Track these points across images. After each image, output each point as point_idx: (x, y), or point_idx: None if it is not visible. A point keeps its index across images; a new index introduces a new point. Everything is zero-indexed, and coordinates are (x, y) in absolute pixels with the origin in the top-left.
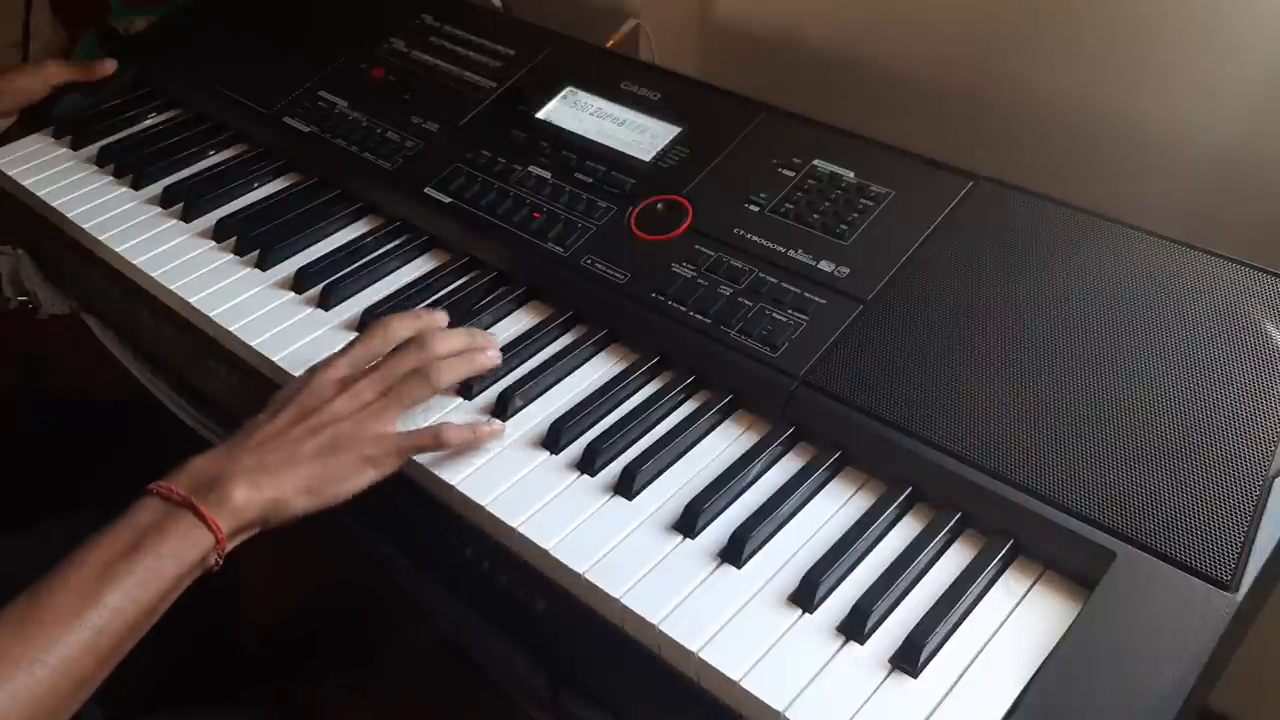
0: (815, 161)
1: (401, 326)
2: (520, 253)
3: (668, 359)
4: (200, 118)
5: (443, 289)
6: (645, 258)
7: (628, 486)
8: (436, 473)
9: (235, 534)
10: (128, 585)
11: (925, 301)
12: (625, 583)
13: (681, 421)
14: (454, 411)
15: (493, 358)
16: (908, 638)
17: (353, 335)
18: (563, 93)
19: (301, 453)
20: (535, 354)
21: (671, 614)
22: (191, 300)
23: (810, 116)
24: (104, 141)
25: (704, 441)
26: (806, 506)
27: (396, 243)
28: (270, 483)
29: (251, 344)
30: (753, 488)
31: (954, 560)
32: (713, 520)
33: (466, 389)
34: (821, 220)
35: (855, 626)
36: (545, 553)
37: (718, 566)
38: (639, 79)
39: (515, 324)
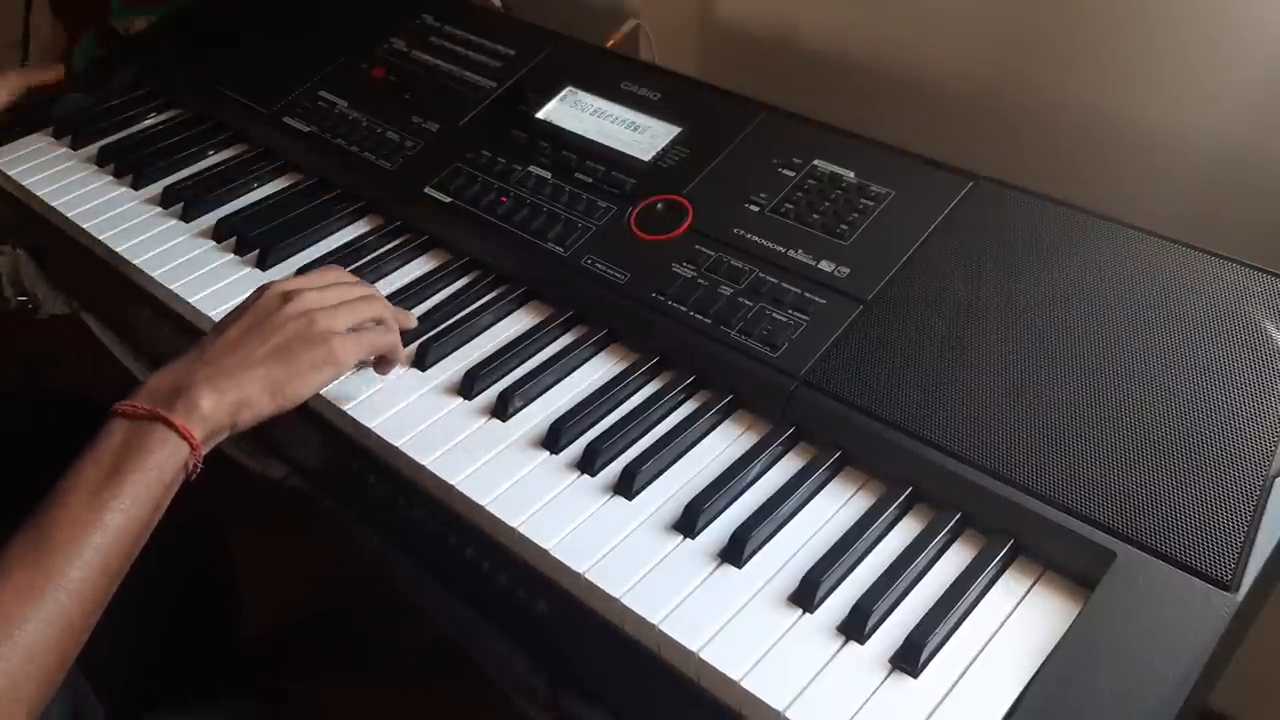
0: (815, 161)
1: (344, 271)
2: (520, 253)
3: (668, 359)
4: (200, 118)
5: (443, 289)
6: (645, 258)
7: (628, 486)
8: (436, 471)
9: (208, 439)
10: (123, 504)
11: (926, 301)
12: (625, 583)
13: (681, 421)
14: (454, 411)
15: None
16: (908, 638)
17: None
18: (563, 93)
19: (257, 355)
20: (535, 354)
21: (671, 614)
22: (191, 300)
23: (810, 116)
24: (104, 141)
25: (704, 441)
26: (807, 506)
27: (396, 243)
28: (231, 385)
29: None
30: (753, 488)
31: (954, 560)
32: (713, 520)
33: (467, 389)
34: (822, 220)
35: (855, 626)
36: (545, 553)
37: (718, 566)
38: (639, 79)
39: (515, 324)
